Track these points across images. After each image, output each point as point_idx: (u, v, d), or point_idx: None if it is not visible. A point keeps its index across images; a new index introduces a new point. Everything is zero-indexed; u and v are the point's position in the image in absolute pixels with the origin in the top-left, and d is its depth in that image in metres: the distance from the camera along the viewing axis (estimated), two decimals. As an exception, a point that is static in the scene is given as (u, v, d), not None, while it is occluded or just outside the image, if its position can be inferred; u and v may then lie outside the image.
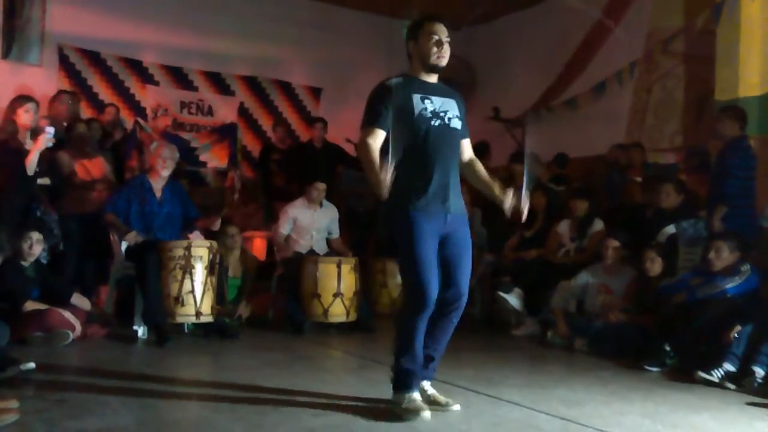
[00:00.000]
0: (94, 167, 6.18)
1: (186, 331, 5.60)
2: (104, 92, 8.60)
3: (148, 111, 8.61)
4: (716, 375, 4.27)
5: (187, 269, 5.27)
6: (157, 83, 8.96)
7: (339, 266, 5.97)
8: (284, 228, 6.48)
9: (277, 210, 7.08)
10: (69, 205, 5.99)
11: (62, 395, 3.46)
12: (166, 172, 5.72)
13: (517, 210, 3.42)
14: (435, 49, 3.40)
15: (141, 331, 5.37)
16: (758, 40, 6.14)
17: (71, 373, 4.18)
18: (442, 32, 3.41)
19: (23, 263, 5.11)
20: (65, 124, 6.65)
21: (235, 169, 7.90)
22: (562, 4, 9.15)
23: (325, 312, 5.92)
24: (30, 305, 4.95)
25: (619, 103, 8.35)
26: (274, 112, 9.69)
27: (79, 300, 5.30)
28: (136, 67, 8.83)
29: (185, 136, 8.20)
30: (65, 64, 8.36)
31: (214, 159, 7.73)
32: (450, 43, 3.45)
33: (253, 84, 9.60)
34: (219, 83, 9.38)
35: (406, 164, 3.32)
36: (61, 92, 7.29)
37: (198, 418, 3.36)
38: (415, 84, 3.43)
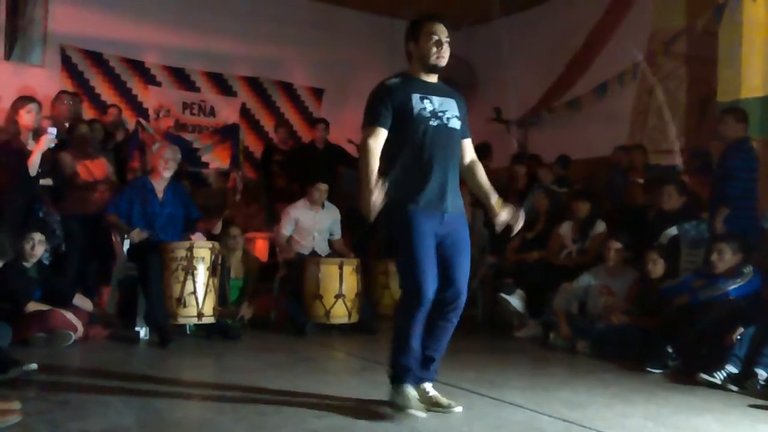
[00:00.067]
0: (96, 168, 6.18)
1: (188, 332, 5.60)
2: (106, 93, 8.61)
3: (151, 112, 8.61)
4: (719, 377, 4.27)
5: (189, 270, 5.27)
6: (159, 84, 8.97)
7: (341, 267, 5.97)
8: (286, 229, 6.48)
9: (279, 211, 7.09)
10: (71, 206, 5.99)
11: (64, 396, 3.46)
12: (168, 173, 5.72)
13: (509, 226, 3.46)
14: (435, 50, 3.41)
15: (143, 332, 5.38)
16: (760, 41, 6.14)
17: (73, 374, 4.18)
18: (441, 32, 3.42)
19: (25, 264, 5.11)
20: (67, 125, 6.65)
21: (237, 170, 7.90)
22: (563, 6, 9.17)
23: (327, 313, 5.92)
24: (32, 306, 4.95)
25: (621, 105, 8.34)
26: (276, 113, 9.69)
27: (81, 301, 5.31)
28: (139, 67, 8.84)
29: (187, 136, 8.21)
30: (67, 65, 8.37)
31: (216, 160, 7.73)
32: (450, 43, 3.45)
33: (255, 85, 9.61)
34: (221, 84, 9.39)
35: (405, 164, 3.34)
36: (61, 93, 7.29)
37: (200, 419, 3.36)
38: (415, 84, 3.44)
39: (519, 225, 3.47)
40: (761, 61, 6.11)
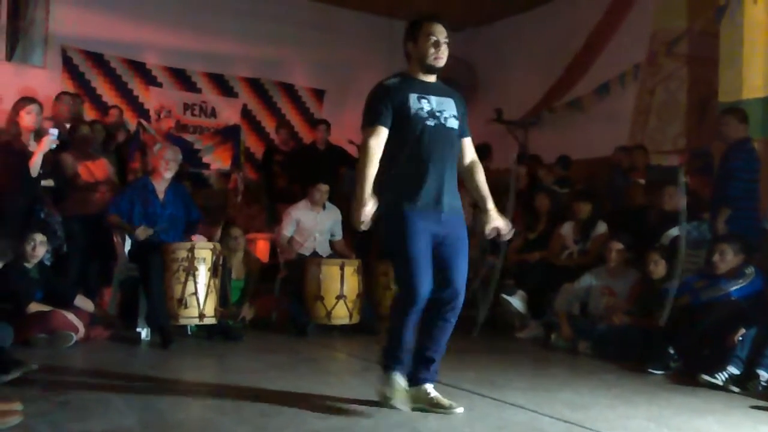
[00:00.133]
0: (97, 169, 6.18)
1: (189, 333, 5.60)
2: (107, 94, 8.61)
3: (152, 113, 8.62)
4: (720, 378, 4.26)
5: (191, 271, 5.27)
6: (160, 85, 8.98)
7: (342, 268, 5.97)
8: (287, 230, 6.48)
9: (280, 212, 7.08)
10: (72, 207, 5.99)
11: (66, 397, 3.46)
12: (169, 174, 5.72)
13: (498, 232, 3.49)
14: (433, 50, 3.41)
15: (144, 332, 5.38)
16: (761, 41, 6.13)
17: (75, 374, 4.18)
18: (440, 33, 3.42)
19: (27, 265, 5.11)
20: (68, 126, 6.66)
21: (238, 171, 7.90)
22: (564, 6, 9.18)
23: (328, 314, 5.92)
24: (33, 307, 4.95)
25: (622, 105, 8.34)
26: (277, 114, 9.70)
27: (82, 302, 5.31)
28: (140, 68, 8.84)
29: (188, 137, 8.21)
30: (69, 66, 8.38)
31: (217, 161, 7.73)
32: (449, 44, 3.45)
33: (256, 86, 9.61)
34: (222, 85, 9.40)
35: (402, 163, 3.36)
36: (62, 93, 7.29)
37: (202, 420, 3.36)
38: (413, 83, 3.44)
39: (508, 236, 3.51)
40: (762, 62, 6.11)
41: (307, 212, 6.51)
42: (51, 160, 5.72)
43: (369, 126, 3.37)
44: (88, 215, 5.93)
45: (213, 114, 9.28)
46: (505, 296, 6.29)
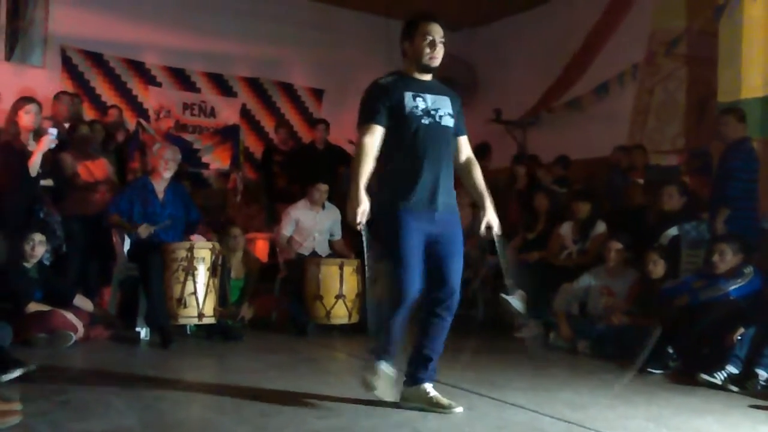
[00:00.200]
0: (96, 169, 6.19)
1: (188, 332, 5.61)
2: (107, 94, 8.60)
3: (151, 112, 8.61)
4: (719, 377, 4.27)
5: (190, 271, 5.27)
6: (159, 84, 8.97)
7: (341, 268, 5.97)
8: (286, 230, 6.48)
9: (280, 211, 7.09)
10: (72, 207, 5.99)
11: (66, 396, 3.46)
12: (168, 174, 5.72)
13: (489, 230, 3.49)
14: (428, 50, 3.41)
15: (144, 332, 5.38)
16: (761, 41, 6.13)
17: (74, 374, 4.17)
18: (436, 33, 3.42)
19: (26, 265, 5.11)
20: (67, 125, 6.66)
21: (237, 170, 7.90)
22: (563, 6, 9.18)
23: (328, 314, 5.92)
24: (33, 306, 4.95)
25: (621, 105, 8.35)
26: (277, 114, 9.69)
27: (82, 301, 5.31)
28: (139, 68, 8.84)
29: (188, 137, 8.21)
30: (68, 66, 8.37)
31: (216, 161, 7.74)
32: (445, 43, 3.46)
33: (255, 85, 9.61)
34: (221, 85, 9.39)
35: (396, 162, 3.37)
36: (60, 93, 7.29)
37: (202, 420, 3.36)
38: (408, 82, 3.45)
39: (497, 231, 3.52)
40: (762, 62, 6.11)
41: (306, 212, 6.52)
42: (50, 159, 5.73)
43: (364, 124, 3.38)
44: (87, 215, 5.94)
45: (212, 114, 9.28)
46: (504, 296, 6.27)
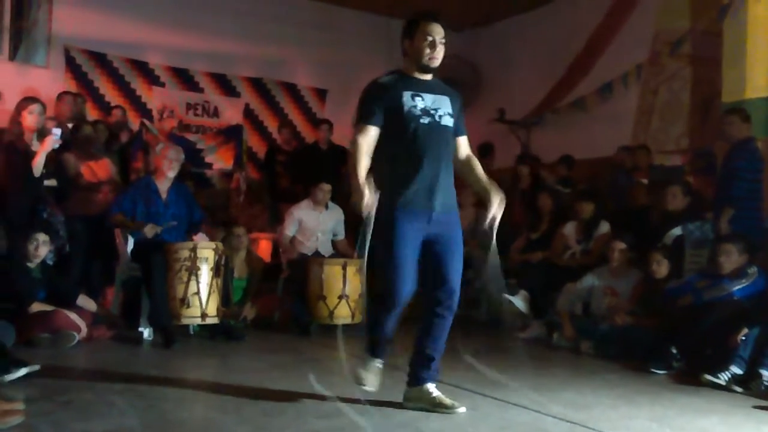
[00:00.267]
0: (100, 169, 6.19)
1: (191, 332, 5.61)
2: (110, 94, 8.61)
3: (154, 112, 8.61)
4: (723, 378, 4.26)
5: (193, 271, 5.27)
6: (163, 85, 8.97)
7: (344, 268, 5.96)
8: (289, 230, 6.48)
9: (283, 211, 7.08)
10: (75, 207, 6.00)
11: (68, 396, 3.46)
12: (171, 174, 5.72)
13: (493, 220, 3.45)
14: (428, 50, 3.40)
15: (147, 332, 5.38)
16: (765, 41, 6.12)
17: (77, 374, 4.18)
18: (437, 33, 3.40)
19: (29, 264, 5.12)
20: (71, 125, 6.67)
21: (240, 170, 7.90)
22: (567, 6, 9.16)
23: (331, 314, 5.91)
24: (36, 307, 4.96)
25: (625, 105, 8.33)
26: (280, 114, 9.69)
27: (85, 301, 5.31)
28: (142, 68, 8.84)
29: (191, 137, 8.21)
30: (72, 66, 8.38)
31: (219, 161, 7.74)
32: (446, 43, 3.44)
33: (258, 85, 9.60)
34: (225, 85, 9.39)
35: (394, 161, 3.36)
36: (63, 93, 7.30)
37: (204, 420, 3.37)
38: (407, 81, 3.44)
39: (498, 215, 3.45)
40: (766, 61, 6.10)
41: (309, 212, 6.52)
42: (54, 159, 5.74)
43: (358, 124, 3.40)
44: (90, 215, 5.94)
45: (215, 114, 9.28)
46: (507, 296, 6.28)
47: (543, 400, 3.71)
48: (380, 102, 3.37)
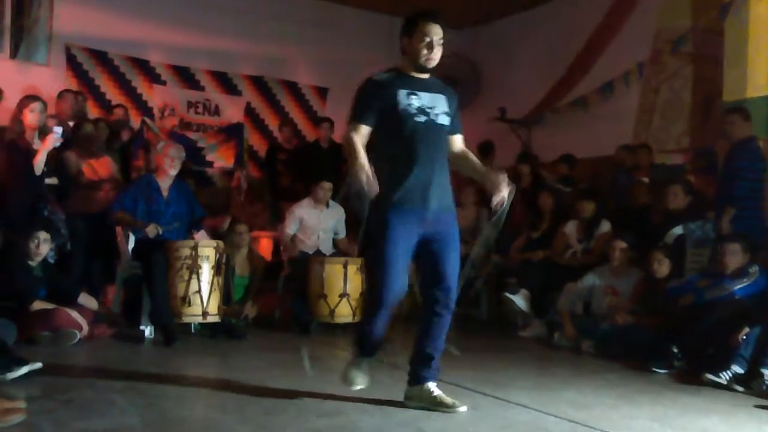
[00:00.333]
0: (101, 167, 6.19)
1: (193, 331, 5.61)
2: (111, 92, 8.60)
3: (155, 111, 8.59)
4: (724, 377, 4.25)
5: (194, 269, 5.27)
6: (164, 83, 8.97)
7: (345, 267, 5.96)
8: (290, 228, 6.48)
9: (284, 210, 7.09)
10: (76, 205, 6.00)
11: (69, 395, 3.46)
12: (173, 171, 5.72)
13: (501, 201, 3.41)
14: (425, 51, 3.40)
15: (148, 331, 5.38)
16: (766, 40, 6.11)
17: (78, 372, 4.18)
18: (435, 34, 3.39)
19: (30, 263, 5.12)
20: (72, 123, 6.67)
21: (241, 169, 7.89)
22: (568, 5, 9.15)
23: (332, 312, 5.91)
24: (37, 305, 4.96)
25: (626, 104, 8.32)
26: (281, 112, 9.68)
27: (86, 299, 5.31)
28: (143, 66, 8.83)
29: (192, 135, 8.20)
30: (73, 64, 8.37)
31: (220, 159, 7.73)
32: (444, 43, 3.43)
33: (259, 84, 9.60)
34: (226, 83, 9.39)
35: (389, 160, 3.36)
36: (64, 91, 7.30)
37: (205, 418, 3.37)
38: (404, 79, 3.44)
39: (508, 199, 3.41)
40: (767, 60, 6.09)
41: (310, 210, 6.52)
42: (55, 158, 5.74)
43: (351, 122, 3.41)
44: (91, 213, 5.94)
45: (216, 112, 9.28)
46: (508, 295, 6.28)
47: (544, 400, 3.71)
48: (374, 100, 3.38)
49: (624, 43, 8.21)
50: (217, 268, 5.38)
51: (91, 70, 8.50)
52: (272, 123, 9.55)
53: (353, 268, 6.00)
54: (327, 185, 6.52)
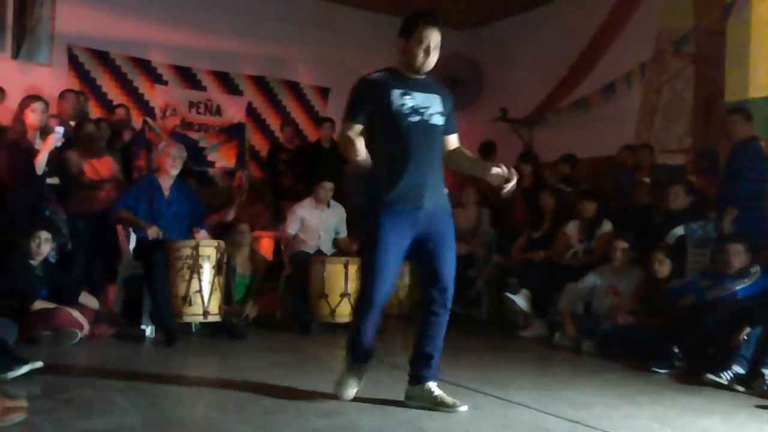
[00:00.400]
0: (102, 167, 6.19)
1: (194, 330, 5.61)
2: (113, 92, 8.62)
3: (157, 111, 8.62)
4: (725, 377, 4.25)
5: (195, 269, 5.27)
6: (165, 83, 8.98)
7: (346, 266, 5.96)
8: (292, 228, 6.48)
9: (285, 210, 7.09)
10: (77, 205, 6.01)
11: (70, 394, 3.46)
12: (174, 171, 5.73)
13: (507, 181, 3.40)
14: (421, 56, 3.39)
15: (149, 330, 5.38)
16: (769, 40, 6.11)
17: (79, 372, 4.18)
18: (433, 39, 3.38)
19: (32, 262, 5.12)
20: (73, 123, 6.67)
21: (243, 169, 7.89)
22: (570, 5, 9.15)
23: (333, 312, 5.91)
24: (38, 304, 4.95)
25: (628, 104, 8.31)
26: (282, 112, 9.69)
27: (87, 299, 5.31)
28: (145, 66, 8.85)
29: (193, 135, 8.22)
30: (74, 64, 8.39)
31: (222, 159, 7.74)
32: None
33: (261, 84, 9.61)
34: (227, 83, 9.40)
35: (382, 159, 3.36)
36: (66, 91, 7.31)
37: (205, 418, 3.37)
38: (398, 79, 3.44)
39: (512, 181, 3.40)
40: (769, 60, 6.09)
41: (311, 210, 6.52)
42: (56, 157, 5.74)
43: (346, 121, 3.42)
44: (92, 213, 5.95)
45: (218, 112, 9.29)
46: (509, 295, 6.28)
47: (544, 399, 3.71)
48: (368, 100, 3.38)
49: (626, 43, 8.21)
50: (218, 268, 5.38)
51: (93, 70, 8.52)
52: (274, 123, 9.56)
53: (354, 268, 5.98)
54: (328, 185, 6.52)
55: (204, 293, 5.27)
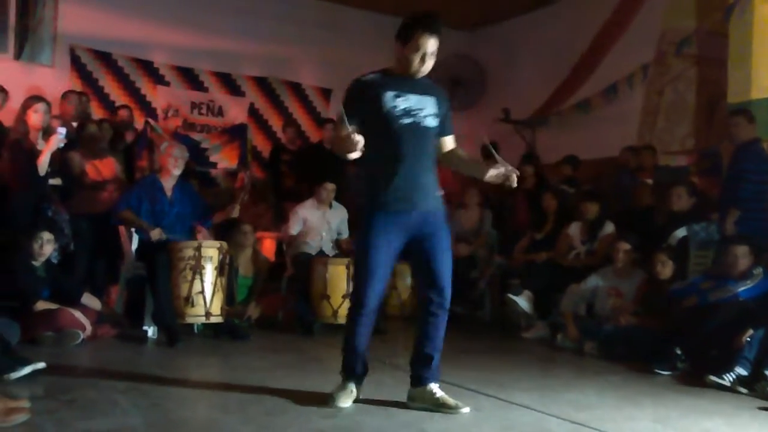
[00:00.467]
0: (104, 167, 6.20)
1: (196, 331, 5.61)
2: (115, 93, 8.62)
3: (159, 111, 8.63)
4: (728, 379, 4.24)
5: (197, 270, 5.27)
6: (167, 84, 8.99)
7: (348, 267, 5.96)
8: (294, 229, 6.48)
9: (287, 211, 7.09)
10: (80, 205, 6.01)
11: (72, 395, 3.47)
12: (177, 171, 5.73)
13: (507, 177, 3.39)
14: (417, 62, 3.39)
15: (151, 331, 5.38)
16: (772, 41, 6.10)
17: (81, 373, 4.18)
18: (430, 46, 3.36)
19: (34, 263, 5.12)
20: (75, 124, 6.68)
21: (245, 169, 7.90)
22: (573, 6, 9.15)
23: (335, 313, 5.91)
24: (41, 305, 4.96)
25: (631, 105, 8.31)
26: (285, 113, 9.70)
27: (89, 300, 5.31)
28: (147, 67, 8.86)
29: (196, 136, 8.21)
30: (77, 65, 8.40)
31: (224, 160, 7.73)
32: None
33: (263, 85, 9.61)
34: (229, 84, 9.40)
35: (374, 161, 3.38)
36: (68, 92, 7.32)
37: (207, 419, 3.37)
38: (392, 81, 3.43)
39: (513, 177, 3.38)
40: (772, 62, 6.08)
41: (313, 211, 6.52)
42: (59, 158, 5.75)
43: (339, 124, 3.41)
44: (95, 213, 5.95)
45: (220, 113, 9.29)
46: (511, 296, 6.27)
47: (547, 401, 3.70)
48: (360, 102, 3.37)
49: (628, 44, 8.20)
50: (221, 269, 5.39)
51: (95, 71, 8.53)
52: (276, 124, 9.57)
53: (356, 269, 5.99)
54: (330, 186, 6.52)
55: (206, 294, 5.28)
